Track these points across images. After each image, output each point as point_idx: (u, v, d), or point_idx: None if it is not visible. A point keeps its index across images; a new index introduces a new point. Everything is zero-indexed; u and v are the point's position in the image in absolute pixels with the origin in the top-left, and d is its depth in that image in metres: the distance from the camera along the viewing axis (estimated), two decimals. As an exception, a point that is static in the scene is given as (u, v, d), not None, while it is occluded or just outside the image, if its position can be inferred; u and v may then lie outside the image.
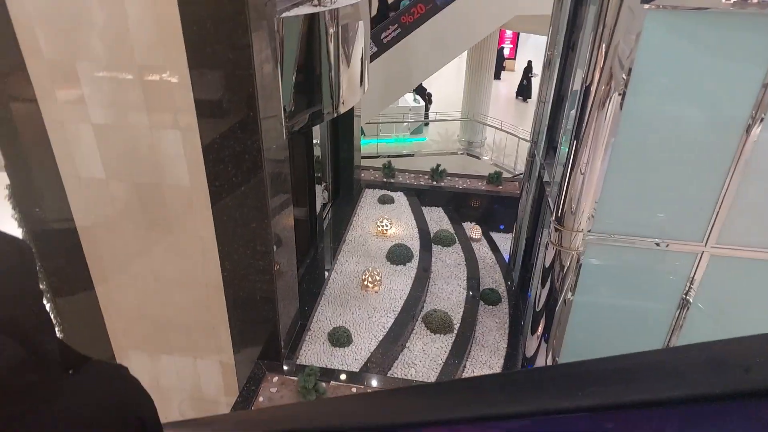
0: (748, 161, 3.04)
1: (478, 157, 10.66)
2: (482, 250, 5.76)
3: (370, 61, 5.27)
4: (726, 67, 2.89)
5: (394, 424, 0.48)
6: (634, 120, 3.04)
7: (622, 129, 3.07)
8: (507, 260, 5.71)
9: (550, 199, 3.89)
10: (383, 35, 6.62)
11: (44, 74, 2.87)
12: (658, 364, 0.41)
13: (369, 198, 6.19)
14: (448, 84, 14.93)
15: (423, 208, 6.10)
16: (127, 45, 2.73)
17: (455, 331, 4.29)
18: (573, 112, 3.42)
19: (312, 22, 3.28)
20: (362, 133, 6.97)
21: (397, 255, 4.95)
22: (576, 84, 3.54)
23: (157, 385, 4.04)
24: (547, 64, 4.69)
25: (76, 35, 2.75)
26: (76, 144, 3.08)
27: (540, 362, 4.00)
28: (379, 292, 4.54)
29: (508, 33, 18.08)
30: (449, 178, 6.53)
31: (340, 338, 3.95)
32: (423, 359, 4.00)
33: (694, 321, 3.65)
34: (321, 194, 5.14)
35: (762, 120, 2.94)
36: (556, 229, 3.51)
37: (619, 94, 2.98)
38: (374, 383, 3.56)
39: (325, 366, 3.74)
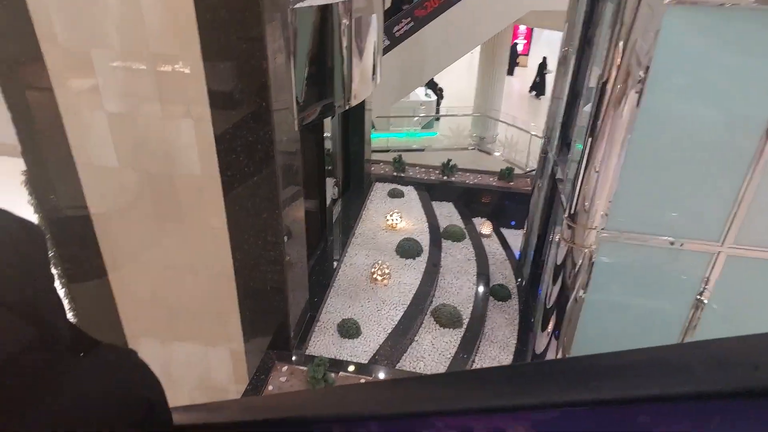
0: (768, 161, 2.99)
1: (489, 153, 10.60)
2: (492, 245, 5.73)
3: (382, 55, 5.24)
4: (746, 65, 2.83)
5: (416, 413, 0.48)
6: (650, 118, 2.99)
7: (638, 127, 3.02)
8: (517, 257, 5.67)
9: (563, 196, 3.85)
10: (396, 28, 6.58)
11: (59, 61, 2.90)
12: (664, 360, 0.40)
13: (379, 192, 6.19)
14: (459, 79, 14.83)
15: (433, 202, 6.08)
16: (140, 32, 2.75)
17: (464, 326, 4.28)
18: (588, 109, 3.38)
19: (325, 13, 3.27)
20: (373, 126, 6.95)
21: (407, 249, 4.95)
22: (591, 81, 3.50)
23: (168, 371, 4.10)
24: (562, 60, 4.63)
25: (91, 22, 2.77)
26: (90, 132, 3.12)
27: (549, 359, 3.98)
28: (388, 286, 4.55)
29: (522, 28, 17.88)
30: (460, 173, 6.50)
31: (349, 330, 3.97)
32: (432, 353, 4.01)
33: (707, 322, 3.60)
34: (331, 189, 5.14)
35: (784, 119, 2.87)
36: (569, 226, 3.48)
37: (636, 92, 2.93)
38: (383, 375, 3.58)
39: (333, 357, 3.76)
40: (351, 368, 3.57)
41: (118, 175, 3.25)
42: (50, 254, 3.63)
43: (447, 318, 4.27)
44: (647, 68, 2.85)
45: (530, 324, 4.58)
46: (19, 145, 3.24)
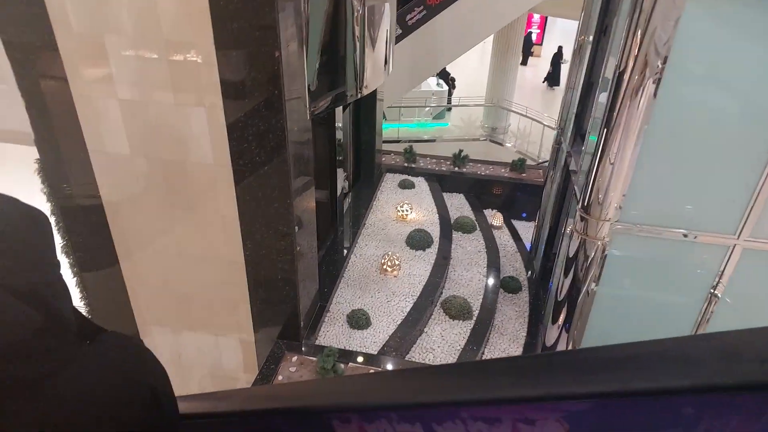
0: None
1: (501, 144, 10.49)
2: (503, 237, 5.70)
3: (395, 44, 5.18)
4: (767, 54, 2.75)
5: (429, 403, 0.47)
6: (667, 109, 2.94)
7: (655, 118, 2.97)
8: (528, 249, 5.63)
9: (576, 188, 3.80)
10: (408, 17, 6.49)
11: (73, 48, 2.91)
12: (669, 352, 0.39)
13: (389, 182, 6.17)
14: (471, 69, 14.66)
15: (444, 194, 6.04)
16: (154, 20, 2.74)
17: (474, 318, 4.27)
18: (603, 99, 3.32)
19: (338, 1, 3.23)
20: (384, 117, 6.90)
21: (417, 240, 4.93)
22: (608, 71, 3.43)
23: (178, 360, 4.15)
24: (578, 50, 4.54)
25: (105, 9, 2.77)
26: (103, 120, 3.13)
27: (559, 352, 3.96)
28: (398, 277, 4.54)
29: (536, 17, 17.59)
30: (471, 164, 6.44)
31: (358, 321, 3.98)
32: (441, 345, 4.01)
33: (721, 316, 3.56)
34: (341, 181, 5.13)
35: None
36: (582, 218, 3.44)
37: (654, 82, 2.87)
38: (392, 366, 3.59)
39: (343, 348, 3.78)
40: (360, 359, 3.58)
41: (130, 164, 3.27)
42: (59, 241, 3.68)
43: (457, 310, 4.26)
44: (666, 58, 2.79)
45: (541, 317, 4.56)
46: (33, 133, 3.26)
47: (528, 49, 16.59)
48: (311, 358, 3.61)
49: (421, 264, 4.71)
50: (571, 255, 3.66)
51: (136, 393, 0.72)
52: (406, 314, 4.11)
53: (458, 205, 6.02)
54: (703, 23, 2.75)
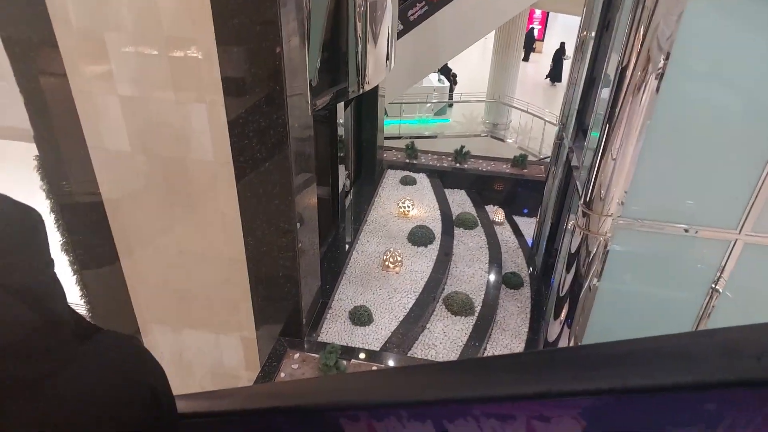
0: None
1: (502, 140, 10.47)
2: (505, 233, 5.69)
3: (396, 39, 5.16)
4: (769, 50, 2.74)
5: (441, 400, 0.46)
6: (670, 104, 2.93)
7: (657, 113, 2.96)
8: (530, 245, 5.62)
9: (578, 184, 3.79)
10: (410, 13, 6.46)
11: (73, 45, 2.89)
12: (665, 349, 0.39)
13: (391, 179, 6.15)
14: (473, 65, 14.60)
15: (446, 190, 6.03)
16: (154, 16, 2.72)
17: (476, 314, 4.26)
18: (605, 95, 3.30)
19: (339, -4, 3.21)
20: (385, 113, 6.88)
21: (419, 236, 4.92)
22: (610, 66, 3.41)
23: (179, 358, 4.15)
24: (580, 46, 4.52)
25: (105, 5, 2.75)
26: (103, 116, 3.11)
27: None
28: (400, 273, 4.54)
29: (537, 13, 17.49)
30: (473, 160, 6.42)
31: (361, 317, 3.98)
32: (443, 341, 4.00)
33: (722, 311, 3.56)
34: (343, 177, 5.12)
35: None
36: (584, 214, 3.43)
37: (656, 78, 2.86)
38: (395, 363, 3.59)
39: (345, 344, 3.77)
40: (362, 355, 3.58)
41: (130, 161, 3.26)
42: (58, 239, 3.66)
43: (459, 306, 4.25)
44: (668, 53, 2.78)
45: (542, 312, 4.56)
46: (32, 130, 3.25)
47: (530, 45, 16.51)
48: (314, 355, 3.61)
49: (423, 260, 4.70)
50: (573, 250, 3.65)
51: (136, 392, 0.71)
52: (408, 310, 4.11)
53: (460, 201, 6.01)
54: (706, 19, 2.74)
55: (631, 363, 0.34)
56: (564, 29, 17.78)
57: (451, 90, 12.11)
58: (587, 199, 3.40)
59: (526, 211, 6.25)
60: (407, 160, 6.43)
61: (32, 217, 0.69)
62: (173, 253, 3.62)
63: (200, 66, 2.83)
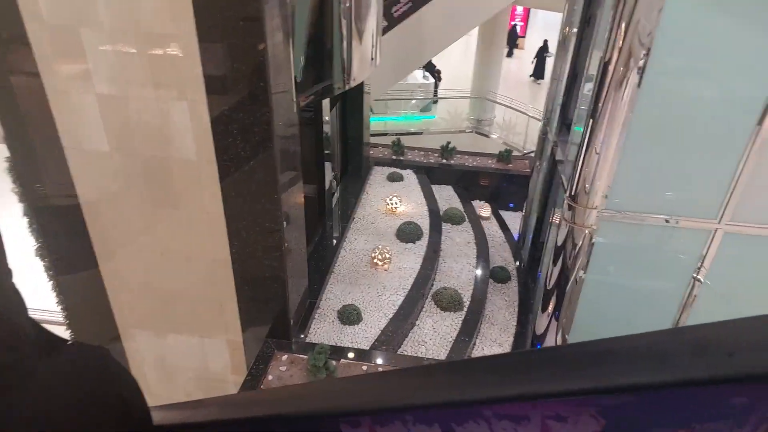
0: (767, 139, 2.98)
1: (487, 136, 10.53)
2: (492, 228, 5.72)
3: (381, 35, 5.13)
4: (747, 44, 2.82)
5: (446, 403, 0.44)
6: (651, 98, 2.98)
7: (639, 107, 3.01)
8: (516, 238, 5.66)
9: (563, 177, 3.82)
10: (394, 9, 6.43)
11: (46, 41, 2.78)
12: (639, 349, 0.39)
13: (378, 176, 6.13)
14: (456, 61, 14.65)
15: (432, 186, 6.04)
16: (132, 10, 2.64)
17: (465, 309, 4.27)
18: (588, 90, 3.34)
19: (323, -9, 3.17)
20: (371, 110, 6.85)
21: (407, 233, 4.91)
22: (593, 62, 3.45)
23: (163, 364, 4.05)
24: (562, 41, 4.56)
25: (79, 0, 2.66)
26: (79, 115, 3.01)
27: (550, 340, 3.99)
28: (389, 270, 4.52)
29: (519, 10, 17.63)
30: (459, 155, 6.45)
31: (350, 316, 3.95)
32: (433, 337, 4.00)
33: (704, 300, 3.64)
34: (329, 175, 5.08)
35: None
36: (570, 207, 3.46)
37: (638, 73, 2.91)
38: (385, 361, 3.57)
39: (335, 344, 3.74)
40: (351, 355, 3.55)
41: (109, 161, 3.16)
42: (33, 244, 3.54)
43: (448, 301, 4.26)
44: (649, 48, 2.82)
45: (530, 305, 4.60)
46: (2, 130, 3.13)
47: (513, 41, 16.64)
48: (302, 356, 3.56)
49: (412, 257, 4.69)
50: (559, 243, 3.68)
51: (102, 407, 0.67)
52: (397, 308, 4.10)
53: (447, 196, 6.02)
54: (685, 13, 2.79)
55: (655, 356, 0.33)
56: (545, 26, 17.96)
57: (436, 86, 12.13)
58: (572, 193, 3.43)
59: (512, 205, 6.30)
60: (394, 157, 6.42)
61: None
62: (155, 256, 3.53)
63: (181, 63, 2.75)
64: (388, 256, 4.54)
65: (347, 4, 3.34)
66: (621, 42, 2.90)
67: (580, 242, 3.53)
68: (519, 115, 9.89)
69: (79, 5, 2.67)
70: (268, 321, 3.67)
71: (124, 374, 0.74)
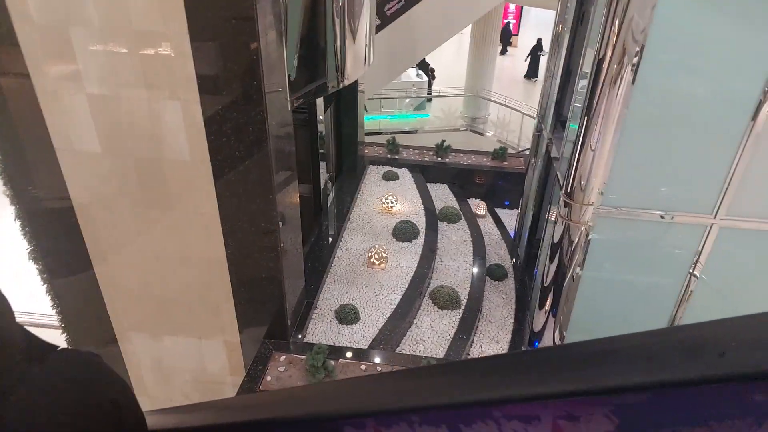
0: (760, 134, 3.00)
1: (481, 134, 10.54)
2: (487, 226, 5.72)
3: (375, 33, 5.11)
4: (740, 39, 2.84)
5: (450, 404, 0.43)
6: (645, 94, 2.99)
7: (633, 104, 3.01)
8: (512, 236, 5.67)
9: (559, 174, 3.83)
10: (387, 7, 6.41)
11: (36, 41, 2.74)
12: (631, 349, 0.38)
13: (373, 175, 6.11)
14: (449, 60, 14.65)
15: (428, 184, 6.03)
16: (122, 9, 2.61)
17: (462, 307, 4.27)
18: (582, 87, 3.34)
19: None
20: (365, 109, 6.83)
21: (403, 232, 4.90)
22: (586, 59, 3.46)
23: (160, 366, 4.02)
24: (556, 39, 4.57)
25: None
26: (71, 117, 2.97)
27: (547, 337, 4.00)
28: (386, 269, 4.51)
29: (512, 8, 17.66)
30: (454, 154, 6.44)
31: (347, 316, 3.93)
32: (431, 335, 4.00)
33: (701, 295, 3.65)
34: (324, 175, 5.06)
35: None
36: (566, 204, 3.46)
37: (632, 69, 2.92)
38: (383, 360, 3.56)
39: (333, 344, 3.73)
40: (349, 354, 3.54)
41: (102, 162, 3.12)
42: (26, 247, 3.50)
43: (445, 299, 4.25)
44: (643, 45, 2.84)
45: (527, 303, 4.60)
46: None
47: (507, 39, 16.67)
48: (300, 356, 3.55)
49: (408, 255, 4.68)
50: (555, 240, 3.68)
51: (94, 412, 0.66)
52: (395, 307, 4.09)
53: (442, 195, 6.02)
54: (679, 9, 2.80)
55: (670, 353, 0.32)
56: (538, 23, 18.00)
57: (430, 85, 12.13)
58: (568, 190, 3.44)
59: (507, 203, 6.31)
60: (389, 156, 6.41)
61: None
62: (150, 258, 3.50)
63: (173, 62, 2.72)
64: (384, 255, 4.53)
65: (340, 3, 3.32)
66: (615, 39, 2.91)
67: (577, 239, 3.53)
68: (513, 113, 9.91)
69: (69, 4, 2.63)
70: (265, 322, 3.64)
71: (116, 379, 0.72)
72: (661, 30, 2.81)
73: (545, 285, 3.91)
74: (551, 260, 3.78)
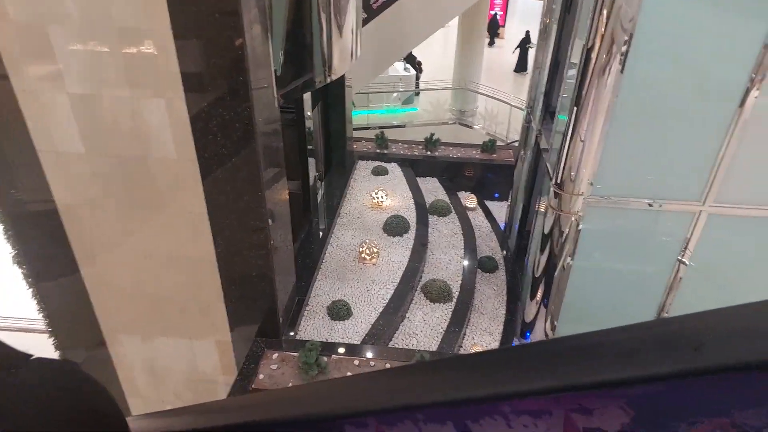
0: (748, 120, 3.03)
1: (470, 126, 10.53)
2: (478, 218, 5.73)
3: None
4: (727, 28, 2.86)
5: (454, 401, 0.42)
6: (633, 84, 3.01)
7: (622, 93, 3.02)
8: (503, 228, 5.69)
9: (548, 165, 3.84)
10: (372, 0, 6.36)
11: (13, 39, 2.67)
12: (608, 344, 0.39)
13: (362, 170, 6.08)
14: (436, 53, 14.60)
15: (418, 178, 6.02)
16: (102, 4, 2.54)
17: (454, 300, 4.28)
18: (571, 78, 3.35)
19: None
20: (352, 104, 6.78)
21: (394, 226, 4.89)
22: (575, 49, 3.46)
23: (151, 367, 3.97)
24: (544, 30, 4.57)
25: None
26: (52, 117, 2.89)
27: (539, 327, 4.03)
28: (377, 264, 4.50)
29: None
30: (443, 147, 6.44)
31: (339, 312, 3.92)
32: (424, 329, 4.00)
33: (690, 282, 3.70)
34: (313, 170, 5.01)
35: (762, 80, 2.91)
36: (556, 195, 3.48)
37: (620, 59, 2.92)
38: (376, 355, 3.55)
39: (325, 340, 3.71)
40: (342, 350, 3.53)
41: (85, 163, 3.05)
42: (9, 251, 3.42)
43: (437, 293, 4.26)
44: (631, 34, 2.84)
45: (518, 294, 4.63)
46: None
47: (494, 30, 16.64)
48: (292, 353, 3.52)
49: (400, 250, 4.68)
50: (546, 231, 3.70)
51: (75, 423, 0.63)
52: (387, 301, 4.08)
53: (432, 188, 6.02)
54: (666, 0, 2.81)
55: (692, 341, 0.31)
56: (525, 14, 18.02)
57: (417, 78, 12.08)
58: (558, 180, 3.45)
59: (497, 195, 6.33)
60: (378, 150, 6.38)
61: None
62: (139, 258, 3.44)
63: (156, 59, 2.66)
64: (375, 250, 4.52)
65: (326, -4, 3.28)
66: (603, 28, 2.91)
67: (567, 229, 3.55)
68: (501, 105, 9.91)
69: (47, 1, 2.56)
70: (256, 320, 3.61)
71: (96, 387, 0.70)
72: (649, 18, 2.82)
73: (536, 276, 3.93)
74: (542, 251, 3.80)
